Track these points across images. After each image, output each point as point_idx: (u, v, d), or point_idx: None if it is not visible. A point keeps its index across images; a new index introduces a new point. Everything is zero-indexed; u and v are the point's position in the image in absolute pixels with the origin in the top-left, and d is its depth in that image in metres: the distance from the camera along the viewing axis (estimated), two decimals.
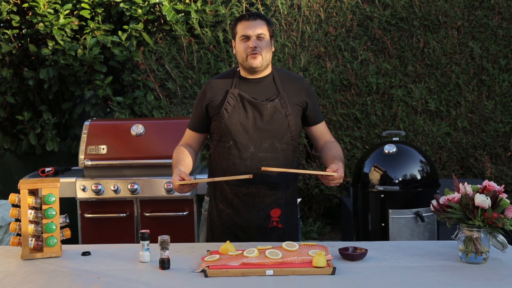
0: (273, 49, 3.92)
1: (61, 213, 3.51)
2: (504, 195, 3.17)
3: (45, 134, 7.64)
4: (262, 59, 3.81)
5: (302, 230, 7.50)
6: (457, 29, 7.44)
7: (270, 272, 3.03)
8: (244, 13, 4.74)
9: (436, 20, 7.46)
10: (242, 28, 3.83)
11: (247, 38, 3.81)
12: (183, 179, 3.63)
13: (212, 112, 3.89)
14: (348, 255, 3.28)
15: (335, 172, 3.64)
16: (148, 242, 3.28)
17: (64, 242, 3.57)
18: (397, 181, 4.82)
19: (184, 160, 3.87)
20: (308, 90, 3.99)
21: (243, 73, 3.92)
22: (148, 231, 3.31)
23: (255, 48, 3.78)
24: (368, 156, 5.09)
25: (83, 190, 5.51)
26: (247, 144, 3.80)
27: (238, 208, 3.85)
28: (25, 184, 3.43)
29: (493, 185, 3.20)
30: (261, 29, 3.81)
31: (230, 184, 3.85)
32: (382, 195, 4.84)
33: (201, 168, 5.98)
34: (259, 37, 3.80)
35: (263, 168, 3.59)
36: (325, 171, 3.68)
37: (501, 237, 3.23)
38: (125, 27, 7.41)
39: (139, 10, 7.31)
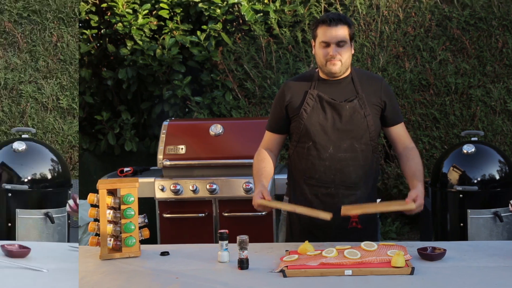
0: (353, 52, 3.87)
1: (139, 213, 3.53)
2: None
3: (123, 134, 7.72)
4: (342, 65, 3.77)
5: (381, 230, 7.43)
6: None
7: (348, 272, 3.03)
8: (324, 14, 4.69)
9: None
10: (322, 33, 3.76)
11: (327, 44, 3.75)
12: (264, 198, 3.68)
13: (292, 113, 3.87)
14: (426, 255, 3.30)
15: (414, 200, 3.70)
16: (226, 242, 3.29)
17: (142, 242, 3.59)
18: (475, 181, 4.86)
19: (265, 168, 3.91)
20: (387, 90, 3.93)
21: (322, 75, 3.89)
22: (226, 231, 3.32)
23: (335, 56, 3.74)
24: (446, 156, 5.15)
25: (162, 190, 5.54)
26: (326, 144, 3.78)
27: (318, 209, 3.79)
28: (103, 184, 3.46)
29: None
30: (342, 35, 3.74)
31: (309, 184, 3.85)
32: (461, 195, 4.91)
33: (279, 168, 5.93)
34: (339, 44, 3.74)
35: (343, 213, 3.58)
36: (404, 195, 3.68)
37: None
38: (204, 27, 7.43)
39: (218, 10, 7.33)
